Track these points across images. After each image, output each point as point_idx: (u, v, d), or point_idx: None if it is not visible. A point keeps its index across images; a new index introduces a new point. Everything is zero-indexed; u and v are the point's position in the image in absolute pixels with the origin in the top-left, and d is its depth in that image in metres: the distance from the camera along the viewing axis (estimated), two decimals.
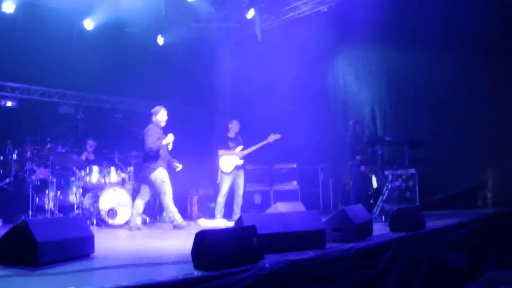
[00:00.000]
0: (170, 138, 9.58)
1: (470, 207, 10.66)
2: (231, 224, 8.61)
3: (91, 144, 11.91)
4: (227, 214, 11.04)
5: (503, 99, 10.47)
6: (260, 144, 11.09)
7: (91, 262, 4.63)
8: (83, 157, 11.64)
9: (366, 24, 12.42)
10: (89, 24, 12.75)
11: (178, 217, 9.41)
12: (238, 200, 11.12)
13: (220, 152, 11.14)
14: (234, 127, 11.42)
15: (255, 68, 13.41)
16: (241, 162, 11.11)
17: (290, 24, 14.11)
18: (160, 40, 14.31)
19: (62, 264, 4.40)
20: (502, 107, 10.50)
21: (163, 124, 9.77)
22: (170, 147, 9.66)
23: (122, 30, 13.40)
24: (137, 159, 11.47)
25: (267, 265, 4.07)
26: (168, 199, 9.40)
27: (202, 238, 3.88)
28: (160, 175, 9.41)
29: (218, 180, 11.23)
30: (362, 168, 10.84)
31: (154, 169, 9.43)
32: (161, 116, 9.75)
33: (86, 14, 12.64)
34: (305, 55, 12.97)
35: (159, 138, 9.52)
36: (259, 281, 3.92)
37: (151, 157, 9.49)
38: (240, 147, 11.19)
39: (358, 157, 10.62)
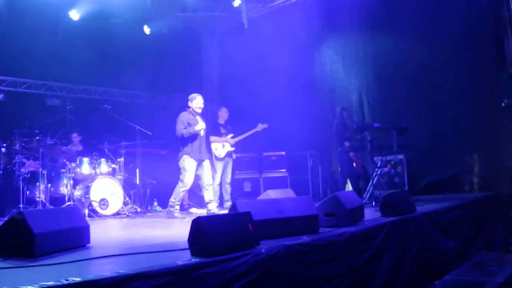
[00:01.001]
0: (202, 125, 9.70)
1: (458, 191, 10.77)
2: (223, 212, 8.68)
3: (75, 137, 11.93)
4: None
5: (489, 85, 10.55)
6: (250, 132, 11.28)
7: (88, 252, 4.66)
8: (74, 149, 11.66)
9: (353, 12, 12.49)
10: (74, 15, 12.67)
11: (177, 207, 9.52)
12: (226, 187, 11.26)
13: (212, 138, 11.23)
14: (223, 114, 11.59)
15: (242, 56, 13.39)
16: (232, 149, 11.24)
17: (276, 12, 14.07)
18: (147, 30, 14.27)
19: (59, 254, 4.41)
20: (488, 93, 10.58)
21: (199, 110, 9.85)
22: (202, 133, 9.67)
23: (108, 20, 13.29)
24: (127, 149, 11.48)
25: (263, 251, 4.12)
26: (181, 188, 9.44)
27: (199, 225, 3.92)
28: (183, 163, 9.43)
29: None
30: (351, 154, 10.93)
31: (180, 157, 9.49)
32: (197, 102, 9.81)
33: (71, 4, 12.55)
34: (292, 43, 12.99)
35: (190, 124, 9.55)
36: (256, 266, 3.98)
37: (179, 144, 9.59)
38: (231, 135, 11.30)
39: (347, 143, 10.69)
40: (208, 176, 9.72)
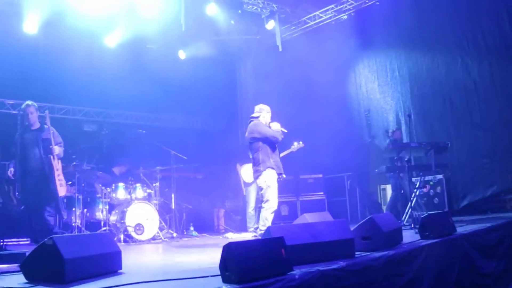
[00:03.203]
0: (277, 126, 8.78)
1: (499, 211, 10.53)
2: (258, 237, 8.47)
3: (124, 169, 11.94)
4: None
5: None
6: (284, 153, 10.90)
7: (118, 278, 4.59)
8: (116, 172, 11.73)
9: (387, 30, 12.47)
10: (110, 42, 12.81)
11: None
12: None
13: (238, 166, 11.18)
14: None
15: (277, 78, 13.39)
16: None
17: (310, 33, 14.13)
18: (182, 55, 14.35)
19: (89, 280, 4.37)
20: None
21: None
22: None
23: (143, 46, 13.46)
24: (162, 174, 11.47)
25: (296, 277, 4.00)
26: (268, 211, 8.29)
27: (230, 251, 3.82)
28: (267, 179, 8.38)
29: (244, 192, 11.21)
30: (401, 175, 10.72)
31: (260, 174, 8.46)
32: (267, 116, 8.96)
33: (107, 31, 12.68)
34: (327, 63, 12.91)
35: None
36: None
37: (258, 158, 8.49)
38: None
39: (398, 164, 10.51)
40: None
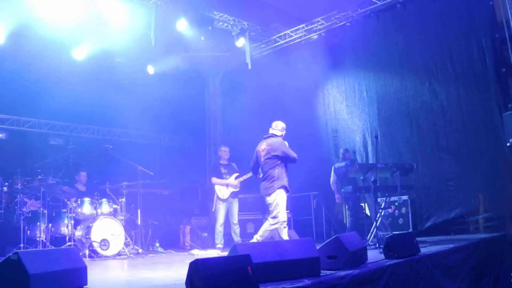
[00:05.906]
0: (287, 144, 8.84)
1: (463, 232, 10.65)
2: (225, 254, 8.44)
3: (83, 176, 11.84)
4: (226, 243, 10.97)
5: (494, 124, 10.50)
6: (245, 177, 11.02)
7: None
8: (79, 188, 11.60)
9: (356, 52, 12.61)
10: (78, 54, 12.70)
11: None
12: (235, 228, 11.11)
13: (213, 180, 11.13)
14: (222, 153, 11.53)
15: (245, 95, 13.43)
16: (237, 189, 11.10)
17: (280, 52, 14.23)
18: (151, 70, 14.31)
19: None
20: (492, 133, 10.53)
21: None
22: None
23: (112, 60, 13.33)
24: (129, 190, 11.39)
25: None
26: (272, 226, 8.51)
27: (197, 268, 3.83)
28: (279, 197, 8.53)
29: (213, 208, 11.19)
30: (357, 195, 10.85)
31: (273, 191, 8.55)
32: (283, 135, 9.07)
33: (75, 44, 12.57)
34: (295, 82, 13.04)
35: None
36: None
37: (272, 175, 8.59)
38: (236, 174, 11.18)
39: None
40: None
